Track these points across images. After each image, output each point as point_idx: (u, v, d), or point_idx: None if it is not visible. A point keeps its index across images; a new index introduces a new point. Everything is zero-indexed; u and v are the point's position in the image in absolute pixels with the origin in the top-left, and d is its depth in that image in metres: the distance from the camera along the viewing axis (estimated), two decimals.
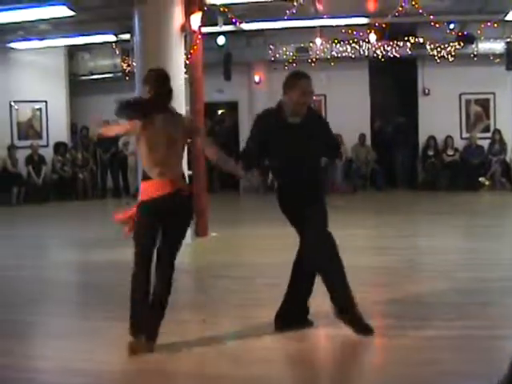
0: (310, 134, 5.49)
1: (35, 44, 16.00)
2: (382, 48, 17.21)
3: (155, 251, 5.05)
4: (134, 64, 11.00)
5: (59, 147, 17.83)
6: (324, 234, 5.26)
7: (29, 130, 18.14)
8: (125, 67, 18.29)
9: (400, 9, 13.28)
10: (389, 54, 17.24)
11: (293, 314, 5.53)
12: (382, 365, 4.89)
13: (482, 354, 4.82)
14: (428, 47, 17.13)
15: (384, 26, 15.69)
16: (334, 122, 5.54)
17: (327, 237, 5.25)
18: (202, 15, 10.51)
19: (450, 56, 17.02)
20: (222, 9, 12.97)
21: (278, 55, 17.68)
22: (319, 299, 5.58)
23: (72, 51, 18.55)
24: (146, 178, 5.08)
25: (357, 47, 17.30)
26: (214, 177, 18.17)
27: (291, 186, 5.46)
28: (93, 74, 18.99)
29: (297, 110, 5.38)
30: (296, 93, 5.31)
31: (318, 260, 5.25)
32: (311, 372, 4.84)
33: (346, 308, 5.23)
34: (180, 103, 9.78)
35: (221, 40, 16.30)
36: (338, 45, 17.34)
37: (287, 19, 13.98)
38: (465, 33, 16.62)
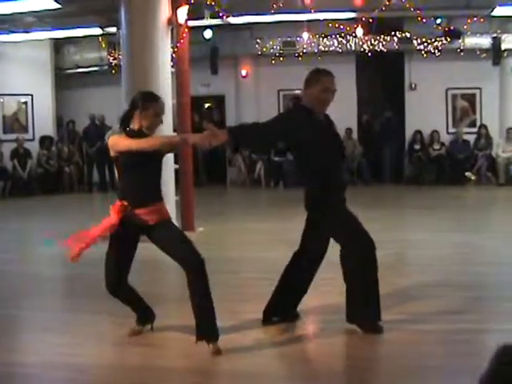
0: (336, 132, 5.45)
1: (20, 37, 15.86)
2: (368, 42, 17.24)
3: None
4: (121, 57, 10.91)
5: (45, 141, 17.73)
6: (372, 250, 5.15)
7: (14, 123, 18.03)
8: (111, 60, 18.22)
9: (387, 3, 13.27)
10: (376, 48, 17.27)
11: (282, 309, 5.51)
12: (370, 359, 4.87)
13: (472, 348, 4.82)
14: (415, 42, 17.18)
15: (371, 20, 15.69)
16: None
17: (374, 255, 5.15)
18: (189, 8, 10.44)
19: (436, 51, 17.09)
20: (208, 2, 12.90)
21: (264, 49, 17.65)
22: (311, 291, 5.56)
23: (58, 44, 18.46)
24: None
25: (344, 41, 17.33)
26: (201, 170, 18.14)
27: (332, 187, 5.22)
28: (79, 68, 18.92)
29: (317, 107, 5.20)
30: (317, 89, 5.15)
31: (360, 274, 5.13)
32: (301, 366, 4.82)
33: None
34: (166, 97, 9.74)
35: (207, 34, 16.24)
36: (325, 39, 17.35)
37: (274, 13, 13.93)
38: (451, 28, 16.66)
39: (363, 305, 5.14)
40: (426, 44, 17.10)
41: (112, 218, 4.86)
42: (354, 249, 5.12)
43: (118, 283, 5.04)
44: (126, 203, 4.86)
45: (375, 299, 5.14)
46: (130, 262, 5.05)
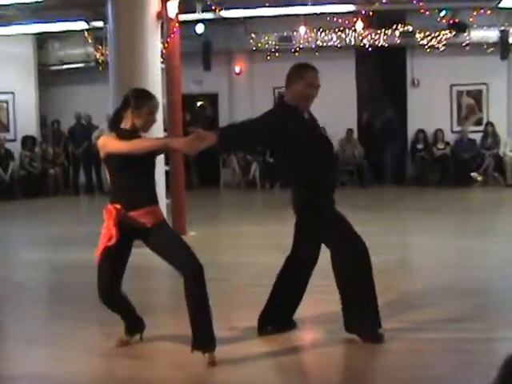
0: (321, 130, 5.48)
1: (1, 31, 15.86)
2: (369, 37, 17.29)
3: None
4: (108, 53, 10.94)
5: (27, 141, 17.73)
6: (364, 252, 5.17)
7: None
8: (98, 56, 18.24)
9: None
10: (376, 43, 17.31)
11: (277, 317, 5.53)
12: (372, 369, 4.91)
13: (478, 358, 4.84)
14: (418, 36, 17.23)
15: (371, 13, 15.74)
16: (318, 114, 5.48)
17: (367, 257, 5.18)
18: (180, 2, 10.48)
19: (440, 45, 17.13)
20: None
21: (259, 44, 17.68)
22: (306, 298, 5.59)
23: (41, 39, 18.46)
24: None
25: (343, 36, 17.37)
26: (193, 172, 18.16)
27: (321, 188, 5.23)
28: (64, 64, 18.93)
29: (301, 103, 5.22)
30: (301, 84, 5.17)
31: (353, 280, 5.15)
32: (298, 378, 4.84)
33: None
34: (156, 95, 9.74)
35: (199, 28, 16.28)
36: (323, 33, 17.40)
37: (269, 6, 13.99)
38: (456, 20, 16.70)
39: (360, 312, 5.15)
40: (429, 38, 17.17)
41: (109, 226, 4.85)
42: (346, 253, 5.13)
43: (111, 291, 5.05)
44: (119, 206, 4.87)
45: (373, 306, 5.15)
46: (124, 269, 5.06)
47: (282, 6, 14.74)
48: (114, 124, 5.07)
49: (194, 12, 14.00)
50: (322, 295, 6.16)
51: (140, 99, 5.01)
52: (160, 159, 9.57)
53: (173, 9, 10.32)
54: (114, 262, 4.98)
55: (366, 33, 17.21)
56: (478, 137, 17.47)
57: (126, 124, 5.00)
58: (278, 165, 5.67)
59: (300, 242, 5.40)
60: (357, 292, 5.14)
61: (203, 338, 4.81)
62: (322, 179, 5.25)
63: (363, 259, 5.12)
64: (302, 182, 5.25)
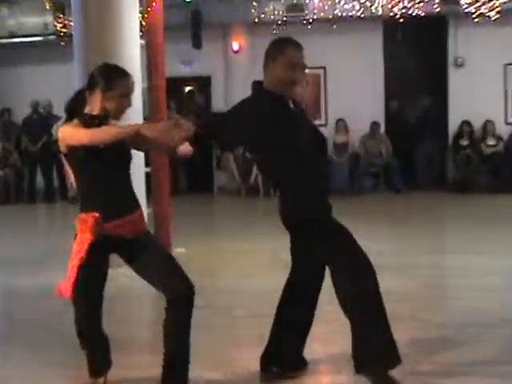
0: (312, 122, 5.51)
1: None
2: (400, 4, 17.31)
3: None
4: (72, 24, 10.99)
5: None
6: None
7: None
8: (59, 28, 18.25)
9: None
10: (409, 12, 17.33)
11: (283, 356, 5.53)
12: None
13: None
14: (463, 2, 17.19)
15: None
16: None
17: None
18: None
19: (493, 13, 17.07)
20: None
21: (263, 15, 17.71)
22: (314, 330, 5.62)
23: None
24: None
25: (367, 4, 17.40)
26: (180, 175, 18.20)
27: (317, 193, 5.26)
28: (15, 37, 18.89)
29: (285, 90, 5.19)
30: (280, 65, 5.15)
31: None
32: None
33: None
34: (135, 78, 9.79)
35: None
36: (343, 0, 17.44)
37: None
38: None
39: (369, 347, 5.05)
40: (478, 4, 17.11)
41: (84, 240, 4.85)
42: (351, 272, 5.08)
43: (94, 320, 5.05)
44: (97, 215, 4.83)
45: (385, 338, 5.07)
46: (103, 290, 5.06)
47: None
48: (75, 108, 5.06)
49: None
50: (331, 324, 6.17)
51: (112, 78, 5.00)
52: (139, 157, 9.62)
53: None
54: (93, 283, 4.98)
55: (397, 0, 17.24)
56: None
57: (92, 109, 4.99)
58: (262, 166, 5.64)
59: (299, 260, 5.42)
60: (366, 322, 5.05)
61: (176, 377, 4.92)
62: (315, 183, 5.24)
63: (371, 280, 5.08)
64: (293, 187, 5.23)
